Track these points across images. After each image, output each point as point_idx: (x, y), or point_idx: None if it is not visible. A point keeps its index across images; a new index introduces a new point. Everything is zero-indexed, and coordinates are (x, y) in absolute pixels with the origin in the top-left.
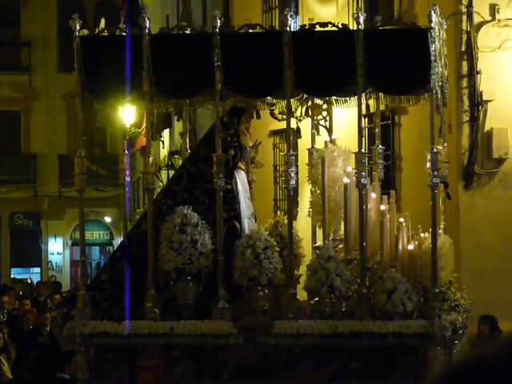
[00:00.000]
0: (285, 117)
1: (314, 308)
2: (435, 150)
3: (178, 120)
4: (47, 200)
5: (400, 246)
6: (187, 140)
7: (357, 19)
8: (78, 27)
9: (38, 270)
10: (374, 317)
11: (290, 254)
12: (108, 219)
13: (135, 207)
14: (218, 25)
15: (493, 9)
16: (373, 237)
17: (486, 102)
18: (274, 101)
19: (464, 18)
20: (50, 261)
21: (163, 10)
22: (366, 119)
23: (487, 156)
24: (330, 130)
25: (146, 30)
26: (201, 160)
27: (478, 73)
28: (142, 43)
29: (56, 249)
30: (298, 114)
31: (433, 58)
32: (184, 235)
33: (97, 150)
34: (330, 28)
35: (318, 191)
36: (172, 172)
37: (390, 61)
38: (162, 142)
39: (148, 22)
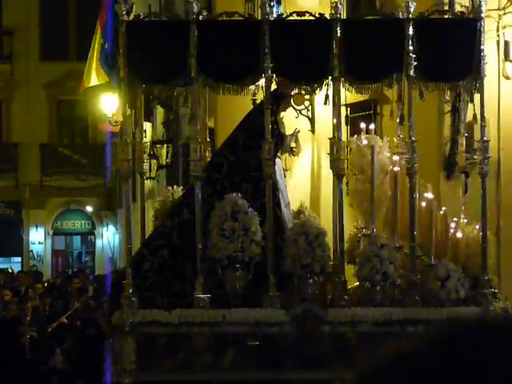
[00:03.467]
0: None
1: (364, 296)
2: (485, 138)
3: (169, 107)
4: (28, 189)
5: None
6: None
7: (407, 8)
8: (123, 12)
9: (18, 259)
10: (425, 304)
11: (340, 241)
12: (89, 209)
13: (117, 196)
14: (268, 11)
15: None
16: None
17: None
18: (256, 90)
19: (446, 8)
20: (31, 250)
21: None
22: (349, 109)
23: (469, 146)
24: (312, 120)
25: (194, 16)
26: (240, 148)
27: None
28: (188, 29)
29: (37, 238)
30: None
31: (482, 47)
32: (236, 223)
33: (78, 140)
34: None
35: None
36: (154, 161)
37: (439, 50)
38: (144, 131)
39: (196, 7)
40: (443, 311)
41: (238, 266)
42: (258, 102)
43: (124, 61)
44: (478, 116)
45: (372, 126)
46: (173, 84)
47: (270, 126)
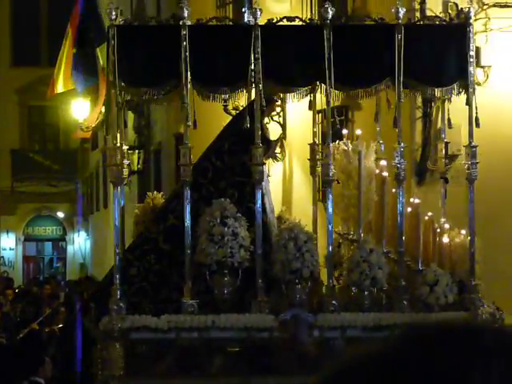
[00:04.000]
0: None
1: (351, 300)
2: (473, 144)
3: (140, 113)
4: None
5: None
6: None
7: (397, 14)
8: (113, 16)
9: None
10: (414, 309)
11: (328, 246)
12: (61, 214)
13: (88, 203)
14: (258, 17)
15: (446, 5)
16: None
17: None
18: (228, 96)
19: (417, 14)
20: (2, 256)
21: (117, 5)
22: (320, 115)
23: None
24: (283, 126)
25: (184, 21)
26: (225, 153)
27: None
28: (179, 33)
29: (8, 244)
30: None
31: (472, 52)
32: (225, 228)
33: (49, 145)
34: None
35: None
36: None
37: (430, 54)
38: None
39: (186, 12)
40: (432, 316)
41: (225, 271)
42: (230, 107)
43: (113, 65)
44: (468, 120)
45: (359, 132)
46: (163, 88)
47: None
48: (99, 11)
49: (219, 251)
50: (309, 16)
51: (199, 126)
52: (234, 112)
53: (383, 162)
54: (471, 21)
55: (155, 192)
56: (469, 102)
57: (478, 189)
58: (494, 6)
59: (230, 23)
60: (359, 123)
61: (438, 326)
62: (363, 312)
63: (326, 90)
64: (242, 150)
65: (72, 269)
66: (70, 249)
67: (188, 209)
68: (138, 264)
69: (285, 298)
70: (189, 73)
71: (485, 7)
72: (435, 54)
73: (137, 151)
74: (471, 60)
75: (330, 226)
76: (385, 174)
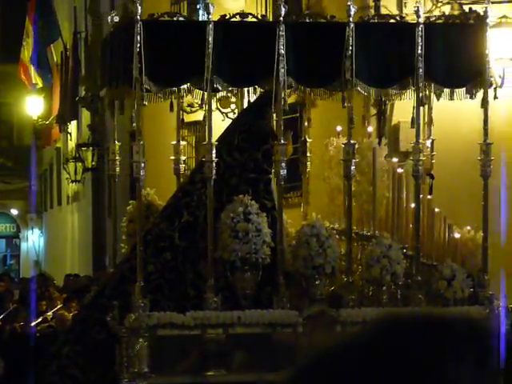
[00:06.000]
0: (193, 109)
1: (369, 296)
2: (488, 141)
3: (94, 110)
4: None
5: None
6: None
7: (417, 12)
8: (139, 11)
9: None
10: (430, 303)
11: (348, 243)
12: (14, 212)
13: (43, 200)
14: (283, 13)
15: (400, 3)
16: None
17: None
18: (183, 93)
19: (372, 12)
20: None
21: (70, 1)
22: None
23: (394, 149)
24: None
25: (210, 16)
26: (235, 149)
27: None
28: (203, 30)
29: None
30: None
31: (487, 51)
32: (249, 224)
33: (3, 142)
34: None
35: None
36: (80, 164)
37: (447, 54)
38: (69, 133)
39: (212, 8)
40: (451, 311)
41: (247, 267)
42: (185, 104)
43: (137, 61)
44: (478, 120)
45: (370, 129)
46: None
47: (267, 128)
48: (53, 7)
49: (243, 247)
50: (263, 13)
51: (153, 122)
52: (188, 109)
53: (395, 159)
54: (488, 20)
55: (148, 188)
56: (485, 102)
57: (438, 186)
58: (448, 3)
59: (253, 19)
60: (315, 120)
61: (413, 316)
62: (382, 307)
63: (347, 88)
64: (253, 147)
65: (26, 266)
66: (23, 246)
67: (211, 204)
68: (155, 261)
69: (304, 293)
70: (209, 72)
71: (439, 4)
72: (453, 53)
73: (91, 148)
74: (487, 59)
75: (349, 221)
76: (400, 170)
